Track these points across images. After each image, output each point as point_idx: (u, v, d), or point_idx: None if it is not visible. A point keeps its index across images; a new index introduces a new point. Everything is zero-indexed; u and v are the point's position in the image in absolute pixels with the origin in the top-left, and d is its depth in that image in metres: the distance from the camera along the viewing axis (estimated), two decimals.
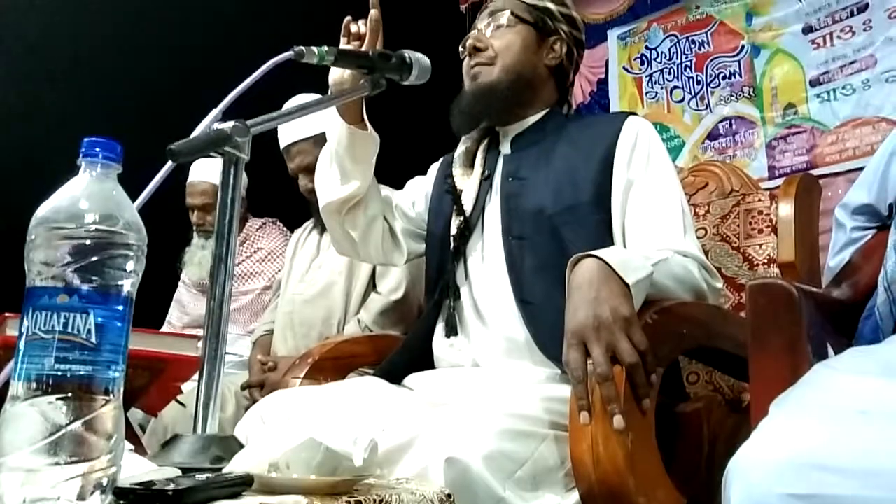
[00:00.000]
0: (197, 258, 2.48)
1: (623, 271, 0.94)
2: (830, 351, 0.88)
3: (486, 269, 1.25)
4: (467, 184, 1.33)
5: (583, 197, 1.19)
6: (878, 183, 1.05)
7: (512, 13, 1.31)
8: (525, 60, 1.30)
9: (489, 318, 1.22)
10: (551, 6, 1.33)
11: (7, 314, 1.28)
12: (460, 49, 1.37)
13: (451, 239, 1.30)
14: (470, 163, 1.37)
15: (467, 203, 1.30)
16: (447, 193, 1.36)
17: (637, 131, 1.24)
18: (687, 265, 1.10)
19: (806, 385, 0.67)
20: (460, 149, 1.41)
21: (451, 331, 1.25)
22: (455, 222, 1.30)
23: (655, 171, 1.22)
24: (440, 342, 1.29)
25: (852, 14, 2.34)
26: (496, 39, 1.31)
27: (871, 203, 1.06)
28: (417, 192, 1.47)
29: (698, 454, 1.06)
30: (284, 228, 2.53)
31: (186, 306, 2.58)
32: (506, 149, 1.34)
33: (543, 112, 1.34)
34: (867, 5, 2.30)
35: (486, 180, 1.32)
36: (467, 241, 1.28)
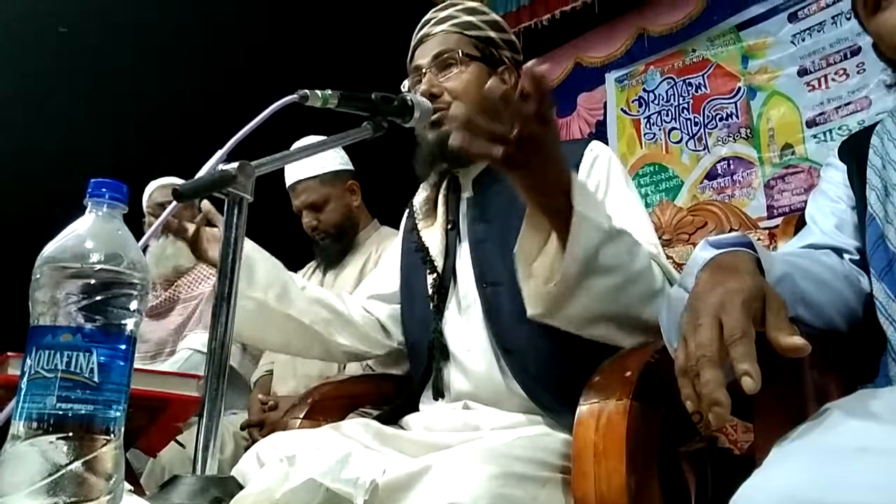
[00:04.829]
0: (168, 251, 2.28)
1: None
2: (833, 391, 0.88)
3: (464, 320, 1.21)
4: (432, 236, 1.29)
5: None
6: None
7: (461, 52, 1.26)
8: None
9: (472, 369, 1.18)
10: (493, 34, 1.29)
11: (9, 353, 1.28)
12: (403, 87, 1.30)
13: (428, 299, 1.25)
14: (432, 211, 1.33)
15: (437, 257, 1.26)
16: (416, 251, 1.32)
17: (594, 158, 1.21)
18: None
19: (809, 425, 0.67)
20: (419, 198, 1.37)
21: (438, 394, 1.21)
22: (429, 280, 1.26)
23: (612, 193, 1.18)
24: (427, 404, 1.24)
25: (846, 57, 2.39)
26: (449, 81, 1.25)
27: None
28: (392, 268, 1.41)
29: (702, 495, 1.05)
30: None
31: (143, 335, 2.36)
32: (468, 192, 1.30)
33: None
34: (860, 49, 2.35)
35: (453, 229, 1.28)
36: (445, 297, 1.24)
